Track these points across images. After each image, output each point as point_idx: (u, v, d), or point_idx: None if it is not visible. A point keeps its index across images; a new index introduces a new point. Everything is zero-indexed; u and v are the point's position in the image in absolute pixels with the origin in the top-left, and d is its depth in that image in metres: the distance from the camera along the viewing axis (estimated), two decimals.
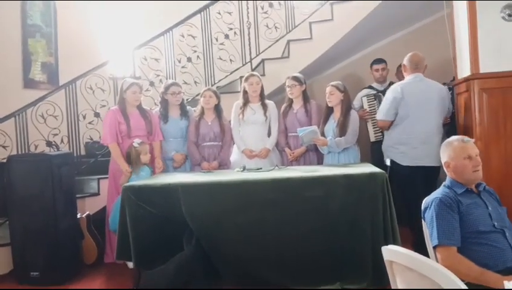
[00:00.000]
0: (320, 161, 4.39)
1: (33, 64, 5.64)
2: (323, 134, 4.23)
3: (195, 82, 5.57)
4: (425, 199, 2.49)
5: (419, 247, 2.52)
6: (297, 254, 3.30)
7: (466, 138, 2.52)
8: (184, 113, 4.52)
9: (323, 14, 5.43)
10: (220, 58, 5.61)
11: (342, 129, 4.16)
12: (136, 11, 6.62)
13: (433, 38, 5.07)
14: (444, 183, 2.51)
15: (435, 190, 2.55)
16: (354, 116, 4.22)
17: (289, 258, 3.31)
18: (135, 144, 4.11)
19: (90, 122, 5.02)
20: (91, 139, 5.18)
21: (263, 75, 5.19)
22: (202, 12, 5.43)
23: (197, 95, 4.86)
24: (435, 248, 2.29)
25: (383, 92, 5.00)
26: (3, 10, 5.30)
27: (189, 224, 3.35)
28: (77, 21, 5.93)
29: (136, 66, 5.29)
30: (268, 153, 4.43)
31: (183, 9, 5.47)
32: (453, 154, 2.46)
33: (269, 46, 5.57)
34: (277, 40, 5.56)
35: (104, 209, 4.42)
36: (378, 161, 4.49)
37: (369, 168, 3.53)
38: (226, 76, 5.60)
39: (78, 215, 4.29)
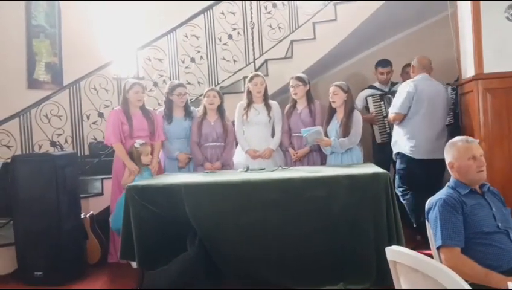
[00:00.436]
0: (323, 161, 4.38)
1: (37, 64, 5.66)
2: (326, 134, 4.23)
3: (199, 82, 5.57)
4: (429, 199, 2.48)
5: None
6: (299, 254, 3.29)
7: (470, 138, 2.51)
8: (188, 113, 4.52)
9: (327, 14, 5.42)
10: (224, 59, 5.61)
11: (345, 130, 4.15)
12: (140, 12, 6.63)
13: (437, 38, 5.06)
14: (448, 183, 2.50)
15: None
16: (357, 116, 4.22)
17: (292, 258, 3.30)
18: (136, 145, 4.11)
19: (94, 123, 5.03)
20: (95, 139, 5.19)
21: (266, 75, 5.18)
22: (206, 13, 5.43)
23: (201, 96, 4.87)
24: (438, 248, 2.29)
25: (389, 93, 5.01)
26: (8, 11, 5.32)
27: (192, 224, 3.36)
28: (81, 22, 5.94)
29: (139, 67, 5.30)
30: (272, 153, 4.42)
31: (186, 10, 5.48)
32: (457, 154, 2.45)
33: (273, 47, 5.57)
34: (280, 41, 5.56)
35: (107, 209, 4.43)
36: (381, 161, 4.50)
37: (372, 169, 3.53)
38: (230, 76, 5.60)
39: (82, 215, 4.30)
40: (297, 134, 4.39)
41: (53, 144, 4.78)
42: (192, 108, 4.61)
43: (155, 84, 5.35)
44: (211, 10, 5.46)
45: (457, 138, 2.53)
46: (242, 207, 3.35)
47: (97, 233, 4.33)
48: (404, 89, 4.29)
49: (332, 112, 4.32)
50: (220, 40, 5.61)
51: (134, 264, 3.82)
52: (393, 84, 5.16)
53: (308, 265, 3.29)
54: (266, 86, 4.52)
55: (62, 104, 4.80)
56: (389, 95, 4.92)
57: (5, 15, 5.29)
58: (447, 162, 2.52)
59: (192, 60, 5.54)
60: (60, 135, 4.84)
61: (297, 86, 4.42)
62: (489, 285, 2.09)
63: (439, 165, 4.03)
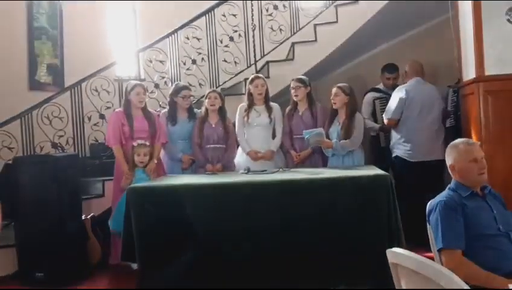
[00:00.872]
0: (325, 163, 4.38)
1: (39, 66, 5.67)
2: (327, 136, 4.23)
3: (200, 84, 5.58)
4: (430, 201, 2.48)
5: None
6: (301, 255, 3.29)
7: (471, 140, 2.51)
8: (192, 115, 4.53)
9: (328, 16, 5.43)
10: (225, 61, 5.62)
11: (347, 132, 4.15)
12: (141, 13, 6.66)
13: (438, 40, 5.06)
14: (448, 186, 2.50)
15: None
16: (359, 119, 4.22)
17: (293, 259, 3.30)
18: (134, 144, 4.11)
19: (95, 124, 5.04)
20: (96, 140, 5.20)
21: (268, 77, 5.19)
22: (207, 15, 5.44)
23: (202, 97, 4.87)
24: (439, 250, 2.28)
25: None
26: (10, 12, 5.33)
27: (193, 226, 3.36)
28: (83, 23, 5.95)
29: (141, 68, 5.31)
30: (273, 154, 4.43)
31: (188, 12, 5.49)
32: (458, 157, 2.45)
33: (274, 49, 5.58)
34: (282, 42, 5.57)
35: (108, 211, 4.42)
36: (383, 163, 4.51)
37: (374, 171, 3.53)
38: (231, 78, 5.61)
39: (83, 217, 4.30)
40: (299, 136, 4.38)
41: (54, 145, 4.79)
42: (195, 110, 4.62)
43: (156, 86, 5.36)
44: (212, 12, 5.47)
45: (458, 140, 2.53)
46: (243, 209, 3.34)
47: (98, 235, 4.33)
48: (396, 95, 4.46)
49: (334, 114, 4.32)
50: (221, 42, 5.62)
51: (134, 266, 3.82)
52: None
53: (310, 266, 3.28)
54: (267, 88, 4.51)
55: (63, 106, 4.81)
56: None
57: (6, 16, 5.30)
58: (448, 164, 2.52)
59: (194, 61, 5.55)
60: (62, 136, 4.85)
61: (298, 88, 4.42)
62: (491, 287, 2.09)
63: (437, 166, 4.19)
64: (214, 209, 3.36)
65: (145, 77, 5.49)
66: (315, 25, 5.44)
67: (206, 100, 4.44)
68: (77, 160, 4.50)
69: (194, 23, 5.42)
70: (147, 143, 4.15)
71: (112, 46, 6.35)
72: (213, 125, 4.44)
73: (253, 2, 5.57)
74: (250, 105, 4.49)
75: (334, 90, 4.25)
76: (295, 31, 5.59)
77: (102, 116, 4.99)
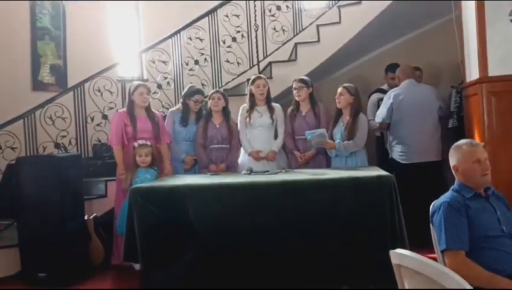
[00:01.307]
0: (329, 164, 4.37)
1: (42, 66, 5.67)
2: (331, 137, 4.22)
3: (203, 85, 5.56)
4: (434, 202, 2.48)
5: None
6: (304, 256, 3.28)
7: (475, 141, 2.51)
8: (200, 118, 4.54)
9: (331, 17, 5.43)
10: (228, 61, 5.62)
11: (350, 133, 4.14)
12: (144, 14, 6.66)
13: (442, 41, 5.05)
14: (452, 187, 2.49)
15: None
16: (363, 119, 4.21)
17: (295, 260, 3.30)
18: (135, 145, 4.11)
19: (98, 125, 5.04)
20: (99, 141, 5.20)
21: (270, 78, 5.19)
22: (210, 15, 5.44)
23: (205, 97, 4.87)
24: (443, 252, 2.28)
25: None
26: (13, 13, 5.34)
27: (195, 226, 3.36)
28: (86, 24, 5.96)
29: (144, 69, 5.31)
30: (275, 155, 4.42)
31: (191, 12, 5.50)
32: (461, 158, 2.44)
33: (276, 49, 5.58)
34: (284, 43, 5.57)
35: (111, 211, 4.43)
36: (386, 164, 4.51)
37: (377, 172, 3.53)
38: (233, 79, 5.61)
39: (85, 217, 4.31)
40: (302, 137, 4.37)
41: (57, 145, 4.79)
42: (204, 112, 4.63)
43: (159, 86, 5.36)
44: (215, 13, 5.47)
45: (461, 141, 2.52)
46: (246, 209, 3.34)
47: (100, 235, 4.33)
48: (386, 100, 4.53)
49: (338, 114, 4.31)
50: (224, 42, 5.62)
51: (137, 266, 3.82)
52: None
53: (312, 267, 3.28)
54: (269, 88, 4.52)
55: (66, 106, 4.81)
56: None
57: (10, 17, 5.31)
58: (451, 165, 2.51)
59: (196, 62, 5.55)
60: (64, 136, 4.85)
61: (300, 88, 4.42)
62: (494, 289, 2.09)
63: (433, 167, 4.28)
64: (216, 210, 3.36)
65: (148, 78, 5.49)
66: (318, 26, 5.44)
67: (210, 101, 4.45)
68: (80, 160, 4.51)
69: (197, 23, 5.42)
70: (148, 143, 4.14)
71: (115, 47, 6.36)
72: (217, 126, 4.44)
73: (256, 2, 5.56)
74: (252, 106, 4.49)
75: (339, 89, 4.25)
76: (298, 31, 5.59)
77: (105, 117, 4.99)
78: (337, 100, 4.25)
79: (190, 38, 5.50)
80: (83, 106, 4.90)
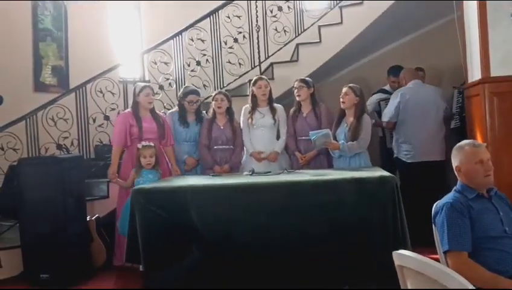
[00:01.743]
0: (330, 164, 4.36)
1: (44, 67, 5.69)
2: (334, 138, 4.20)
3: (205, 86, 5.58)
4: (436, 203, 2.47)
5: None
6: (306, 256, 3.28)
7: (477, 142, 2.51)
8: (200, 118, 4.54)
9: (333, 17, 5.43)
10: (229, 62, 5.62)
11: (354, 133, 4.11)
12: (146, 15, 6.67)
13: (444, 41, 5.05)
14: (454, 188, 2.49)
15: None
16: (367, 120, 4.18)
17: (297, 260, 3.29)
18: (139, 146, 4.11)
19: (100, 126, 5.04)
20: (101, 142, 5.21)
21: (272, 78, 5.19)
22: (211, 16, 5.45)
23: (207, 98, 4.88)
24: (445, 252, 2.28)
25: None
26: (15, 14, 5.35)
27: (198, 227, 3.36)
28: (88, 25, 5.96)
29: (145, 70, 5.32)
30: (277, 156, 4.42)
31: (192, 13, 5.50)
32: (464, 158, 2.44)
33: (278, 50, 5.58)
34: (286, 44, 5.57)
35: (113, 212, 4.43)
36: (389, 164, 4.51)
37: (379, 173, 3.52)
38: (235, 80, 5.61)
39: (88, 218, 4.31)
40: (304, 138, 4.38)
41: (59, 146, 4.80)
42: (203, 112, 4.62)
43: (161, 87, 5.36)
44: (216, 14, 5.47)
45: (464, 142, 2.52)
46: (248, 210, 3.34)
47: (102, 236, 4.34)
48: (393, 98, 4.60)
49: (342, 114, 4.29)
50: (226, 43, 5.63)
51: (139, 267, 3.82)
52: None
53: (314, 267, 3.27)
54: (270, 89, 4.51)
55: (68, 107, 4.82)
56: None
57: (12, 18, 5.32)
58: (454, 166, 2.50)
59: (198, 63, 5.56)
60: (66, 137, 4.86)
61: (300, 88, 4.42)
62: (496, 289, 2.08)
63: (437, 167, 4.33)
64: (218, 211, 3.36)
65: (150, 79, 5.50)
66: (319, 26, 5.44)
67: (213, 102, 4.45)
68: (82, 161, 4.52)
69: (199, 24, 5.42)
70: (152, 144, 4.14)
71: (117, 48, 6.37)
72: (221, 127, 4.44)
73: (257, 3, 5.57)
74: (254, 106, 4.49)
75: (344, 89, 4.21)
76: (299, 32, 5.59)
77: (107, 118, 5.00)
78: (341, 100, 4.21)
79: (192, 39, 5.51)
80: (85, 107, 4.90)
